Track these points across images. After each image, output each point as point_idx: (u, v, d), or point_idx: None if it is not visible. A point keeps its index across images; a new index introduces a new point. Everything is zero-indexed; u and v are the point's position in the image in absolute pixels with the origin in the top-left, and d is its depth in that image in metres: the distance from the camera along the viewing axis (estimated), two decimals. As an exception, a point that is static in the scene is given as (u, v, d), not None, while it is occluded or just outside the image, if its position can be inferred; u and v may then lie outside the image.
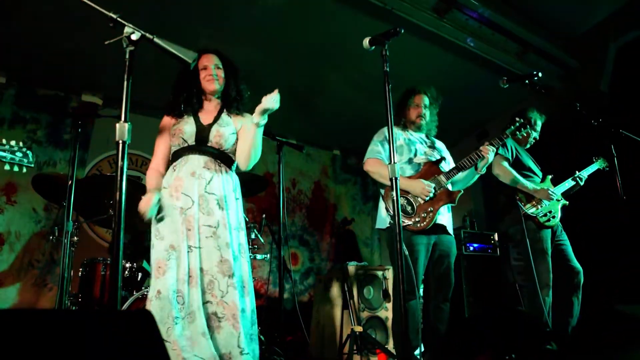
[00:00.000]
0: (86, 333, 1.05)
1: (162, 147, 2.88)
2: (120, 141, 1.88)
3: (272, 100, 2.75)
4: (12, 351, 0.97)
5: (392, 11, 4.70)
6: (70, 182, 3.57)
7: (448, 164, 3.67)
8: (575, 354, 1.58)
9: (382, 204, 3.56)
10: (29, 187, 4.76)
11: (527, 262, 3.85)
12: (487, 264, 5.67)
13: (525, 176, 4.05)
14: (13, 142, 2.84)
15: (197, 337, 2.43)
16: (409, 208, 3.39)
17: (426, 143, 3.72)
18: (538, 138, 4.31)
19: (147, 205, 2.59)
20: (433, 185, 3.37)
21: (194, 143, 2.78)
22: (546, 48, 5.88)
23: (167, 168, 2.88)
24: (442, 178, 3.44)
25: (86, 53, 4.73)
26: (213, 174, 2.73)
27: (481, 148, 3.48)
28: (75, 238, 3.91)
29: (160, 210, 2.66)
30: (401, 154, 3.56)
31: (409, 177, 3.46)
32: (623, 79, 5.79)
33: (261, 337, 4.30)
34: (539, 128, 4.28)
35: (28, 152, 2.90)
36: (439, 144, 3.83)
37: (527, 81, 3.44)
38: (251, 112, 2.88)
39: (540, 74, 3.40)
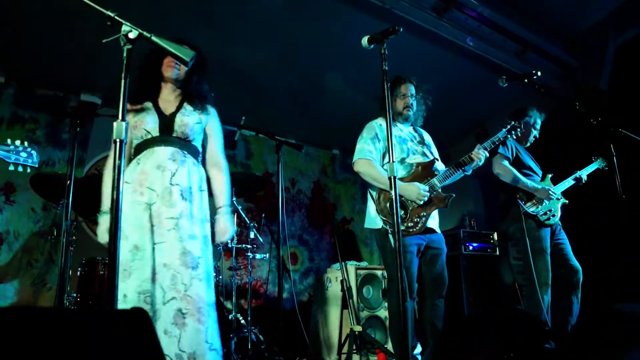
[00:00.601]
0: (82, 331, 1.04)
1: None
2: (118, 140, 1.87)
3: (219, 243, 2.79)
4: (9, 349, 0.97)
5: (391, 10, 4.70)
6: (68, 182, 3.57)
7: (439, 162, 3.63)
8: (575, 353, 1.57)
9: (371, 204, 3.53)
10: (27, 186, 4.76)
11: (526, 261, 3.85)
12: (486, 263, 5.67)
13: (525, 175, 4.05)
14: (18, 142, 2.84)
15: (161, 336, 2.36)
16: (402, 212, 3.34)
17: (415, 138, 3.66)
18: (538, 137, 4.31)
19: (103, 237, 2.60)
20: (427, 188, 3.35)
21: (157, 134, 2.68)
22: (545, 47, 5.88)
23: (127, 164, 2.76)
24: (436, 182, 3.40)
25: (85, 52, 4.73)
26: (178, 166, 2.64)
27: (473, 153, 3.47)
28: (74, 237, 3.91)
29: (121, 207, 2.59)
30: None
31: (402, 179, 3.42)
32: (622, 77, 5.79)
33: (260, 336, 4.31)
34: (538, 127, 4.28)
35: (32, 152, 2.89)
36: (426, 136, 3.78)
37: (526, 80, 3.43)
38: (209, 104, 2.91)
39: (539, 73, 3.39)
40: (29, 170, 2.86)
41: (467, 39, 5.34)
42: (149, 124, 2.67)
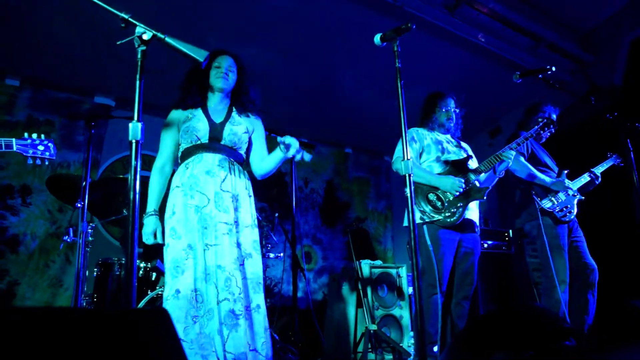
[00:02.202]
0: (102, 331, 1.05)
1: (169, 143, 2.86)
2: (134, 140, 1.88)
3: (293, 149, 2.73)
4: (27, 349, 0.98)
5: (402, 7, 4.68)
6: (84, 183, 3.60)
7: (473, 161, 3.69)
8: (594, 349, 1.56)
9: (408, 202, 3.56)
10: (43, 188, 4.81)
11: (543, 258, 3.82)
12: (501, 260, 5.63)
13: (541, 171, 4.01)
14: (34, 135, 2.86)
15: (214, 335, 2.44)
16: (438, 203, 3.42)
17: (452, 143, 3.76)
18: (553, 132, 4.27)
19: (155, 237, 2.67)
20: (463, 180, 3.38)
21: (207, 141, 2.75)
22: (558, 42, 5.83)
23: (172, 166, 2.87)
24: (471, 175, 3.46)
25: (98, 55, 4.76)
26: (227, 173, 2.72)
27: (502, 152, 3.48)
28: (90, 238, 3.94)
29: (173, 209, 2.65)
30: (429, 152, 3.60)
31: (438, 174, 3.49)
32: (637, 72, 5.73)
33: (275, 336, 4.32)
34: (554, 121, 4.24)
35: (50, 144, 2.91)
36: (464, 144, 3.86)
37: (540, 75, 3.40)
38: (259, 114, 2.98)
39: (553, 68, 3.36)
40: (47, 162, 2.88)
41: (478, 35, 5.31)
42: (200, 130, 2.74)
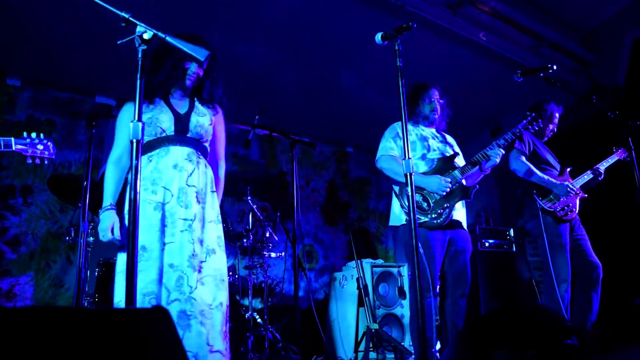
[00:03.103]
0: (102, 331, 1.05)
1: (127, 134, 2.60)
2: (135, 140, 1.88)
3: None
4: (28, 349, 0.98)
5: (403, 7, 4.68)
6: (85, 183, 3.59)
7: (460, 158, 3.66)
8: (596, 348, 1.55)
9: (395, 201, 3.55)
10: (44, 188, 4.80)
11: (544, 257, 3.82)
12: (502, 259, 5.63)
13: (543, 170, 4.00)
14: (34, 135, 2.85)
15: None
16: (424, 204, 3.37)
17: (438, 138, 3.70)
18: (555, 131, 4.26)
19: (111, 232, 2.48)
20: (449, 180, 3.35)
21: (172, 133, 2.61)
22: (560, 41, 5.82)
23: (129, 158, 2.67)
24: (457, 173, 3.41)
25: (99, 55, 4.76)
26: (194, 167, 2.60)
27: (488, 150, 3.45)
28: (91, 238, 3.94)
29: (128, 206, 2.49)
30: (414, 149, 3.54)
31: (423, 174, 3.44)
32: (639, 71, 5.72)
33: (277, 335, 4.32)
34: (556, 120, 4.23)
35: (49, 144, 2.90)
36: (449, 138, 3.81)
37: (542, 74, 3.40)
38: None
39: (555, 67, 3.36)
40: (46, 162, 2.87)
41: (480, 34, 5.30)
42: (164, 122, 2.60)
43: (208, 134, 2.76)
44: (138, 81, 1.94)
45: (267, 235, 4.77)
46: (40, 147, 2.90)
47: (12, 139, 2.85)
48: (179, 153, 2.59)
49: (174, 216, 2.49)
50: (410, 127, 3.63)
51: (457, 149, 3.73)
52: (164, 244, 2.44)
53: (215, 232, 2.63)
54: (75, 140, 5.51)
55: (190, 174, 2.58)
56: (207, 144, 2.79)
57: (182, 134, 2.63)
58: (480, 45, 5.41)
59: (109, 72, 5.15)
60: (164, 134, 2.61)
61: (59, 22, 4.46)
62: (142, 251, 2.40)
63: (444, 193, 3.33)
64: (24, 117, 5.26)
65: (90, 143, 3.75)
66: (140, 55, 1.97)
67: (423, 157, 3.53)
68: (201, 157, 2.69)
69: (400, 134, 3.54)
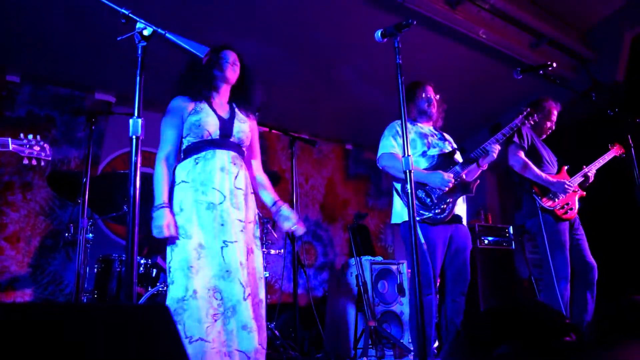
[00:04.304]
0: (101, 327, 1.05)
1: (173, 133, 2.72)
2: (134, 137, 1.88)
3: (296, 228, 2.92)
4: (27, 344, 0.98)
5: (403, 4, 4.67)
6: (85, 180, 3.60)
7: (459, 154, 3.66)
8: (594, 345, 1.56)
9: (397, 199, 3.55)
10: (44, 185, 4.80)
11: (543, 255, 3.82)
12: (502, 257, 5.64)
13: (540, 167, 4.00)
14: (30, 136, 2.87)
15: (239, 331, 2.43)
16: (427, 200, 3.39)
17: (436, 135, 3.71)
18: (554, 128, 4.26)
19: (172, 230, 2.49)
20: (452, 175, 3.36)
21: (217, 137, 2.69)
22: (560, 39, 5.82)
23: (175, 158, 2.75)
24: (458, 169, 3.42)
25: (99, 50, 4.76)
26: (238, 170, 2.70)
27: (486, 145, 3.45)
28: (90, 235, 3.94)
29: (181, 205, 2.58)
30: (414, 147, 3.55)
31: (425, 169, 3.45)
32: (638, 68, 5.73)
33: (276, 332, 4.32)
34: (555, 118, 4.23)
35: (45, 145, 2.92)
36: (447, 136, 3.81)
37: (541, 71, 3.40)
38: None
39: (554, 64, 3.36)
40: (42, 163, 2.88)
41: (480, 31, 5.30)
42: (211, 125, 2.67)
43: (248, 140, 2.86)
44: (137, 78, 1.94)
45: (266, 232, 4.77)
46: (36, 148, 2.91)
47: (9, 139, 2.87)
48: (225, 156, 2.68)
49: (231, 217, 2.59)
50: (409, 125, 3.63)
51: (455, 146, 3.74)
52: (225, 242, 2.54)
53: (254, 233, 2.76)
54: (75, 136, 5.51)
55: (237, 177, 2.68)
56: (245, 149, 2.89)
57: (226, 139, 2.73)
58: (480, 42, 5.40)
59: (109, 69, 5.14)
60: (209, 138, 2.69)
61: (59, 18, 4.45)
62: (201, 248, 2.50)
63: (447, 188, 3.34)
64: (23, 113, 5.26)
65: (90, 139, 3.75)
66: (140, 52, 1.97)
67: (423, 154, 3.54)
68: (242, 160, 2.80)
69: (400, 132, 3.55)
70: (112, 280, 3.90)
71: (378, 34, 2.60)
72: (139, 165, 1.87)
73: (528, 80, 3.70)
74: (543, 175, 3.92)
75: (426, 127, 3.71)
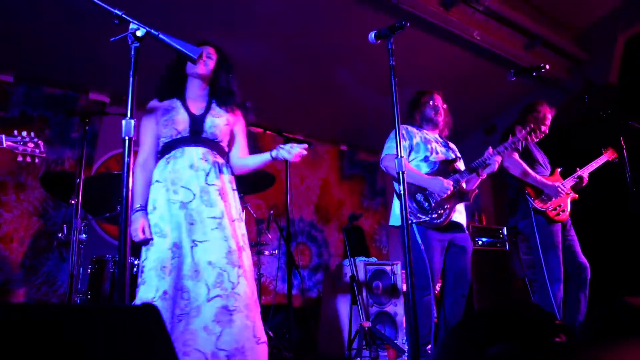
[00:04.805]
0: (91, 327, 1.05)
1: (149, 136, 2.73)
2: (127, 137, 1.88)
3: (293, 155, 2.80)
4: (18, 345, 0.98)
5: (397, 5, 4.68)
6: (78, 180, 3.59)
7: (461, 162, 3.68)
8: (586, 346, 1.56)
9: (396, 201, 3.57)
10: (37, 185, 4.79)
11: (536, 256, 3.84)
12: (495, 258, 5.66)
13: (534, 169, 4.02)
14: (24, 133, 2.86)
15: (199, 332, 2.40)
16: (426, 204, 3.40)
17: (441, 143, 3.74)
18: (547, 132, 4.28)
19: (144, 233, 2.50)
20: (451, 182, 3.37)
21: (188, 134, 2.68)
22: (554, 40, 5.84)
23: (154, 160, 2.74)
24: (459, 177, 3.44)
25: (93, 51, 4.75)
26: (211, 166, 2.67)
27: (488, 159, 3.44)
28: (84, 236, 3.93)
29: (154, 204, 2.58)
30: (417, 151, 3.58)
31: (426, 174, 3.47)
32: (631, 70, 5.75)
33: (270, 333, 4.32)
34: (548, 122, 4.24)
35: (39, 142, 2.92)
36: (452, 144, 3.84)
37: (535, 73, 3.41)
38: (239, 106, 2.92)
39: (547, 66, 3.37)
40: (37, 160, 2.88)
41: (474, 32, 5.32)
42: (179, 123, 2.67)
43: (223, 134, 2.81)
44: (131, 78, 1.94)
45: (261, 233, 4.77)
46: (30, 145, 2.91)
47: (3, 136, 2.86)
48: (194, 153, 2.66)
49: (201, 215, 2.56)
50: (414, 129, 3.67)
51: (458, 154, 3.76)
52: (194, 241, 2.51)
53: (240, 230, 2.71)
54: (69, 137, 5.50)
55: (208, 173, 2.65)
56: (224, 144, 2.84)
57: (197, 135, 2.70)
58: (474, 43, 5.42)
59: (103, 69, 5.13)
60: (179, 136, 2.68)
61: (52, 18, 4.44)
62: (176, 248, 2.48)
63: (445, 194, 3.36)
64: (17, 113, 5.24)
65: (84, 140, 3.74)
66: (133, 53, 1.97)
67: (426, 159, 3.56)
68: (217, 156, 2.75)
69: (405, 135, 3.60)
70: (105, 281, 3.89)
71: (371, 35, 2.60)
72: (131, 166, 1.87)
73: (522, 81, 3.72)
74: (537, 177, 3.94)
75: (431, 134, 3.74)
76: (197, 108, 2.77)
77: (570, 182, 4.05)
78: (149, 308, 1.12)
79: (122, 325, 1.10)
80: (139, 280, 2.48)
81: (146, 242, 2.52)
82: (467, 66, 5.84)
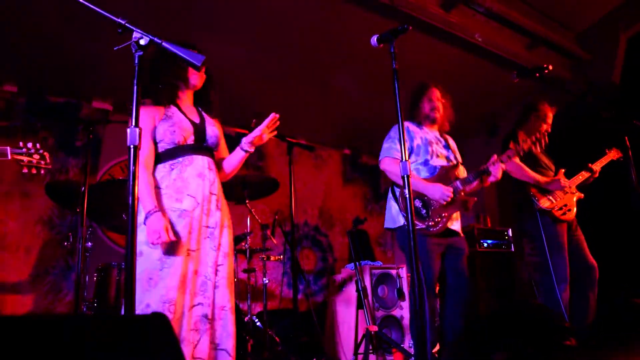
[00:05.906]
0: (101, 338, 1.05)
1: (148, 140, 2.60)
2: (132, 146, 1.88)
3: (263, 135, 2.79)
4: (27, 357, 0.98)
5: (398, 8, 4.69)
6: (83, 188, 3.59)
7: (462, 171, 3.65)
8: (594, 348, 1.56)
9: (393, 203, 3.55)
10: (42, 194, 4.79)
11: (543, 257, 3.82)
12: (501, 260, 5.64)
13: (537, 171, 4.01)
14: (30, 144, 2.86)
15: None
16: (423, 211, 3.38)
17: (440, 142, 3.69)
18: (550, 131, 4.26)
19: (170, 233, 2.39)
20: (451, 189, 3.35)
21: (193, 142, 2.66)
22: (555, 40, 5.84)
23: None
24: (459, 185, 3.41)
25: (96, 59, 4.76)
26: (214, 175, 2.69)
27: (491, 168, 3.42)
28: (90, 244, 3.94)
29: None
30: (418, 154, 3.54)
31: (425, 180, 3.44)
32: (634, 70, 5.74)
33: (276, 338, 4.32)
34: (550, 121, 4.23)
35: (45, 154, 2.92)
36: (451, 141, 3.80)
37: (537, 74, 3.41)
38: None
39: (550, 67, 3.37)
40: (42, 172, 2.88)
41: (475, 34, 5.31)
42: (185, 131, 2.63)
43: (218, 144, 2.84)
44: (135, 87, 1.94)
45: (266, 238, 4.77)
46: (36, 156, 2.91)
47: (8, 148, 2.86)
48: (202, 162, 2.66)
49: (200, 224, 2.56)
50: (415, 128, 3.64)
51: (458, 156, 3.73)
52: (188, 251, 2.48)
53: (228, 237, 2.71)
54: (73, 145, 5.51)
55: (212, 183, 2.66)
56: (217, 153, 2.87)
57: (200, 143, 2.71)
58: (476, 45, 5.42)
59: (106, 78, 5.14)
60: (184, 143, 2.65)
61: (55, 27, 4.45)
62: (166, 258, 2.42)
63: (444, 202, 3.33)
64: (21, 122, 5.25)
65: (88, 148, 3.75)
66: (137, 61, 1.97)
67: (425, 162, 3.53)
68: (214, 165, 2.77)
69: (406, 136, 3.56)
70: (111, 289, 3.89)
71: (374, 39, 2.60)
72: (137, 174, 1.87)
73: (524, 82, 3.70)
74: (539, 177, 3.93)
75: (431, 133, 3.69)
76: (193, 116, 2.76)
77: (575, 181, 4.03)
78: (159, 317, 1.12)
79: (130, 335, 1.09)
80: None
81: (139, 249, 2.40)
82: (469, 67, 5.83)
